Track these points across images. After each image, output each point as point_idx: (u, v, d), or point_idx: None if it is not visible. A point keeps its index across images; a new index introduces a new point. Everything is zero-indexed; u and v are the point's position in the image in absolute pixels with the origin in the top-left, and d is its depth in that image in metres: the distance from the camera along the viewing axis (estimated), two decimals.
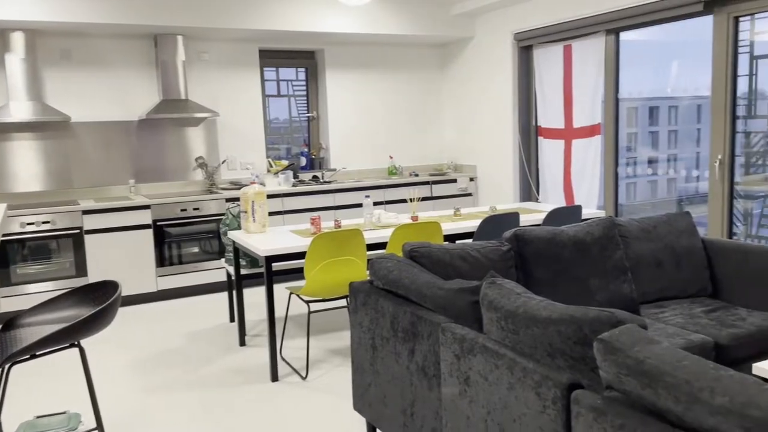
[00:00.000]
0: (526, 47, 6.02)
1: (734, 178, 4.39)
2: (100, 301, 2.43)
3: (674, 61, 5.04)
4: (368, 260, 3.75)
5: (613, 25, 4.99)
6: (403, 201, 6.32)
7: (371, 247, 3.82)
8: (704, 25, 4.44)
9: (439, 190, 6.55)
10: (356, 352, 2.76)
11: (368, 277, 2.86)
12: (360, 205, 6.13)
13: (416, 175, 6.63)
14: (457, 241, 4.00)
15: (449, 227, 4.07)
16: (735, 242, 3.33)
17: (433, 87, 7.09)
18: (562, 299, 2.97)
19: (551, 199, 5.96)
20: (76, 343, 2.28)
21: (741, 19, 4.21)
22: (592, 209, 5.04)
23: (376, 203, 6.23)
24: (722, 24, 4.25)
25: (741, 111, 4.33)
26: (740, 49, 4.27)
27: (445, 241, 4.02)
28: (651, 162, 5.31)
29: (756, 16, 4.15)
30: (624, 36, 5.17)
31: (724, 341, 2.72)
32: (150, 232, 5.31)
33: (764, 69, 4.20)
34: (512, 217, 4.05)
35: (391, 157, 6.85)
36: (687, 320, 2.93)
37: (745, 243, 3.30)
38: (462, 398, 2.02)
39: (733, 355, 2.75)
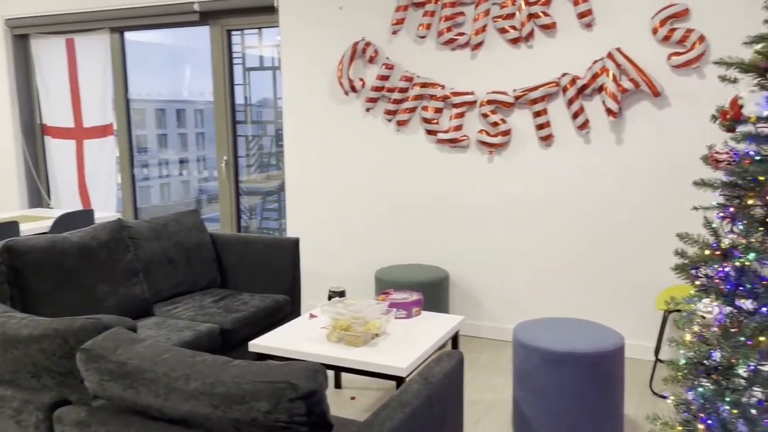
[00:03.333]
0: (21, 36, 5.36)
1: (239, 177, 4.86)
2: None
3: (187, 66, 5.26)
4: None
5: (117, 24, 4.88)
6: None
7: None
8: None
9: None
10: None
11: None
12: None
13: None
14: None
15: None
16: (237, 234, 3.68)
17: None
18: (67, 311, 2.75)
19: (66, 203, 5.49)
20: None
21: (233, 32, 4.67)
22: (110, 212, 4.86)
23: None
24: (218, 35, 4.63)
25: (241, 116, 4.82)
26: (235, 61, 4.73)
27: None
28: (182, 162, 5.44)
29: (246, 31, 4.66)
30: (139, 37, 5.12)
31: (228, 326, 2.98)
32: None
33: (255, 80, 4.77)
34: (10, 227, 3.56)
35: None
36: (198, 312, 3.10)
37: (246, 234, 3.68)
38: None
39: (237, 336, 3.03)
